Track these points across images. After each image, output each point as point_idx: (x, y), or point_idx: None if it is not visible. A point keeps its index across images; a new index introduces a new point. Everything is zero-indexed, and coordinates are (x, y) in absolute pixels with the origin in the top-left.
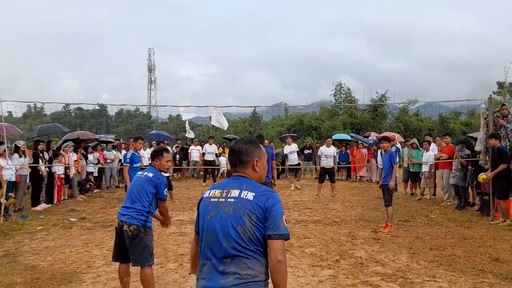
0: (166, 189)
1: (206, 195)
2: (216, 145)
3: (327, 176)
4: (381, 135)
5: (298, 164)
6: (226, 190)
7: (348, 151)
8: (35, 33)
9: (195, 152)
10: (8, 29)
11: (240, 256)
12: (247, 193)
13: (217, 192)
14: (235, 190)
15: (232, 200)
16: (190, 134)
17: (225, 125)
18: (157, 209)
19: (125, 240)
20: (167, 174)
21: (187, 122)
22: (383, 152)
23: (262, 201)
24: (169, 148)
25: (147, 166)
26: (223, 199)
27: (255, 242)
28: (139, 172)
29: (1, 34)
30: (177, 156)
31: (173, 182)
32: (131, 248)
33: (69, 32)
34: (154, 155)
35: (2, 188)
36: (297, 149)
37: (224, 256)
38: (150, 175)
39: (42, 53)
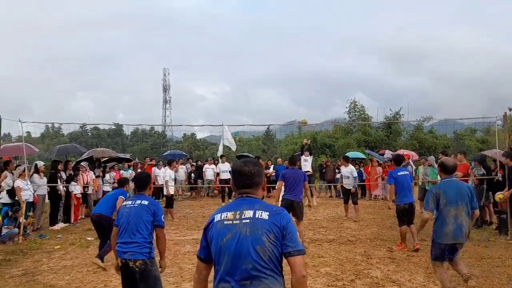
0: (163, 216)
1: (217, 218)
2: (229, 163)
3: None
4: (396, 153)
5: (311, 175)
6: (238, 212)
7: (362, 169)
8: (54, 54)
9: (209, 171)
10: (28, 50)
11: (260, 276)
12: (261, 212)
13: (229, 215)
14: (249, 210)
15: (248, 221)
16: (232, 146)
17: (233, 147)
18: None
19: (131, 275)
20: (172, 192)
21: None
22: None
23: (278, 220)
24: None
25: (162, 185)
26: (238, 221)
27: (274, 261)
28: (128, 202)
29: (21, 55)
30: (192, 174)
31: (188, 201)
32: (141, 283)
33: (87, 53)
34: (146, 183)
35: (22, 208)
36: (311, 160)
37: (244, 278)
38: (146, 202)
39: (61, 73)
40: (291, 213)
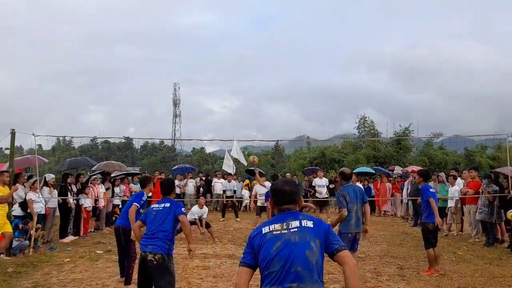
0: (183, 208)
1: (265, 230)
2: (238, 178)
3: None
4: (406, 169)
5: (326, 198)
6: (285, 223)
7: (371, 185)
8: (67, 68)
9: (218, 185)
10: (42, 64)
11: (307, 280)
12: (307, 221)
13: (277, 226)
14: (295, 221)
15: (296, 229)
16: (242, 160)
17: (243, 161)
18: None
19: (148, 271)
20: (205, 216)
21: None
22: (409, 186)
23: (321, 227)
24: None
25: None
26: (286, 230)
27: (319, 266)
28: (155, 205)
29: (35, 69)
30: (201, 189)
31: None
32: (157, 276)
33: (100, 67)
34: (172, 189)
35: (33, 220)
36: (327, 183)
37: (292, 281)
38: (168, 205)
39: (74, 87)
40: None
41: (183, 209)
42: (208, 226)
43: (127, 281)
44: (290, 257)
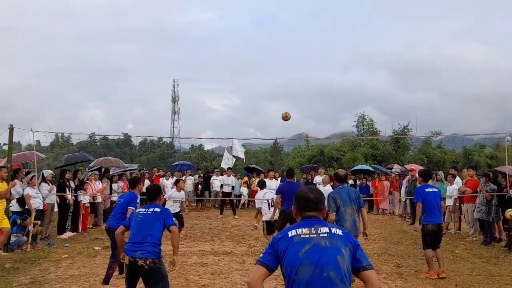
0: (174, 218)
1: (292, 233)
2: (236, 176)
3: None
4: (405, 167)
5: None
6: (313, 228)
7: (370, 183)
8: (66, 66)
9: (216, 182)
10: (41, 61)
11: (337, 285)
12: (336, 229)
13: (304, 230)
14: (323, 227)
15: (325, 234)
16: (241, 154)
17: (242, 156)
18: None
19: (137, 275)
20: (178, 210)
21: (238, 145)
22: (407, 185)
23: (350, 238)
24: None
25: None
26: (315, 235)
27: (348, 273)
28: (142, 209)
29: (34, 66)
30: (199, 186)
31: (194, 212)
32: (150, 281)
33: (99, 65)
34: (157, 194)
35: (32, 216)
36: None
37: (323, 286)
38: (158, 210)
39: (73, 84)
40: (289, 224)
41: (174, 219)
42: (182, 224)
43: (106, 281)
44: (320, 261)
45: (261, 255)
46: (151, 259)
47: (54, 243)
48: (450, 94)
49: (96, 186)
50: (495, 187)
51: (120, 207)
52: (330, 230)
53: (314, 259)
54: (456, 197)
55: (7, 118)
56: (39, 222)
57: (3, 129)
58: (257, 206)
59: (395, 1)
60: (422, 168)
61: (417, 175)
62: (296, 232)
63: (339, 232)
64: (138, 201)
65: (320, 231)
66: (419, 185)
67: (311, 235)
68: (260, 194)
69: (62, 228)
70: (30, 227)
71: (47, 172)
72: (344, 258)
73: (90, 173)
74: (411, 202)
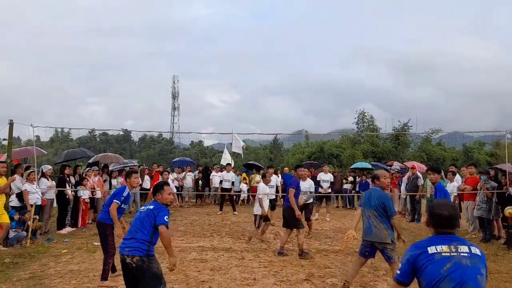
0: (167, 217)
1: (431, 250)
2: (236, 172)
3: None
4: (406, 164)
5: (328, 194)
6: (453, 246)
7: (369, 180)
8: (67, 61)
9: (216, 178)
10: (41, 56)
11: None
12: (475, 249)
13: (444, 248)
14: (463, 246)
15: (466, 254)
16: (239, 150)
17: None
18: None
19: (129, 272)
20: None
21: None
22: (407, 182)
23: (485, 259)
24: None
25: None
26: (455, 253)
27: None
28: (142, 207)
29: (35, 62)
30: (200, 182)
31: (194, 208)
32: (140, 279)
33: (99, 60)
34: (156, 190)
35: (30, 211)
36: (332, 179)
37: None
38: (151, 207)
39: (73, 80)
40: (283, 220)
41: (166, 217)
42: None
43: (104, 277)
44: (462, 279)
45: (398, 271)
46: (138, 257)
47: (54, 238)
48: (450, 91)
49: (94, 181)
50: (496, 184)
51: (109, 201)
52: (470, 249)
53: (456, 277)
54: (456, 194)
55: (7, 113)
56: (37, 217)
57: (3, 124)
58: (260, 196)
59: None
60: (421, 165)
61: (433, 173)
62: (437, 250)
63: (478, 252)
64: (125, 194)
65: (461, 250)
66: (435, 182)
67: (451, 253)
68: (265, 187)
69: (62, 223)
70: (30, 222)
71: (46, 168)
72: (483, 278)
73: (88, 169)
74: (411, 199)
